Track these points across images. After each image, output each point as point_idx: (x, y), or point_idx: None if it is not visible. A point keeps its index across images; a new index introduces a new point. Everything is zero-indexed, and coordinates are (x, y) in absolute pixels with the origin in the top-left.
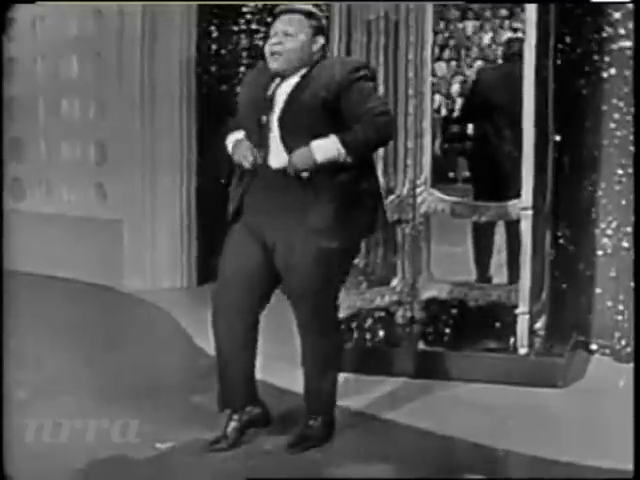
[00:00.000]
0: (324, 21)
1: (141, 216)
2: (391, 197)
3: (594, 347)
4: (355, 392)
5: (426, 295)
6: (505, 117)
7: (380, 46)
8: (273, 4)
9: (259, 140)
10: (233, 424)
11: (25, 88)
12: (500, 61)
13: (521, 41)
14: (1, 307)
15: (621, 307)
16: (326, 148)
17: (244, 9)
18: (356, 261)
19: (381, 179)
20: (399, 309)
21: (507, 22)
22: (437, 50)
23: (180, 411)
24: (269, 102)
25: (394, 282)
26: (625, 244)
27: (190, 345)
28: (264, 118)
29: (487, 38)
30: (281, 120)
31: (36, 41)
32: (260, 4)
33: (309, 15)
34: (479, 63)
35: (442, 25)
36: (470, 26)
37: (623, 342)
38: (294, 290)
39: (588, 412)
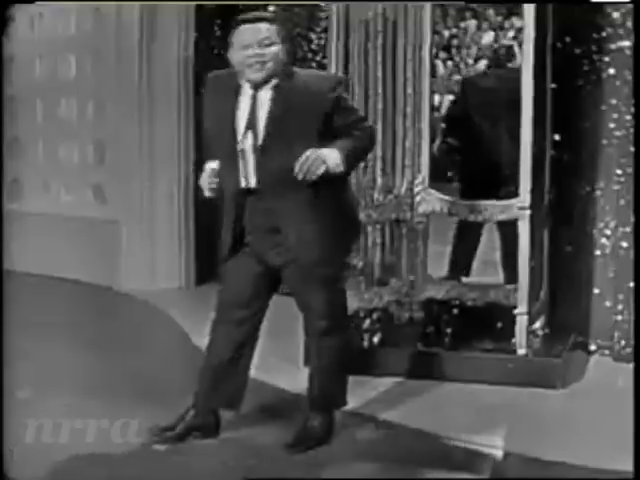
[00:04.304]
0: (288, 26)
1: (139, 216)
2: (389, 197)
3: (593, 347)
4: (353, 393)
5: (424, 295)
6: (491, 123)
7: (378, 45)
8: (272, 4)
9: (237, 163)
10: (187, 422)
11: (23, 88)
12: (487, 68)
13: (509, 47)
14: (0, 307)
15: (620, 307)
16: (332, 158)
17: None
18: (355, 261)
19: (379, 179)
20: (397, 309)
21: (507, 22)
22: (436, 49)
23: (179, 411)
24: (248, 122)
25: (392, 282)
26: (624, 244)
27: (188, 345)
28: (244, 140)
29: (487, 37)
30: (265, 142)
31: (34, 40)
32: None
33: (275, 22)
34: (482, 62)
35: (441, 24)
36: (470, 25)
37: (622, 342)
38: (298, 300)
39: (587, 413)
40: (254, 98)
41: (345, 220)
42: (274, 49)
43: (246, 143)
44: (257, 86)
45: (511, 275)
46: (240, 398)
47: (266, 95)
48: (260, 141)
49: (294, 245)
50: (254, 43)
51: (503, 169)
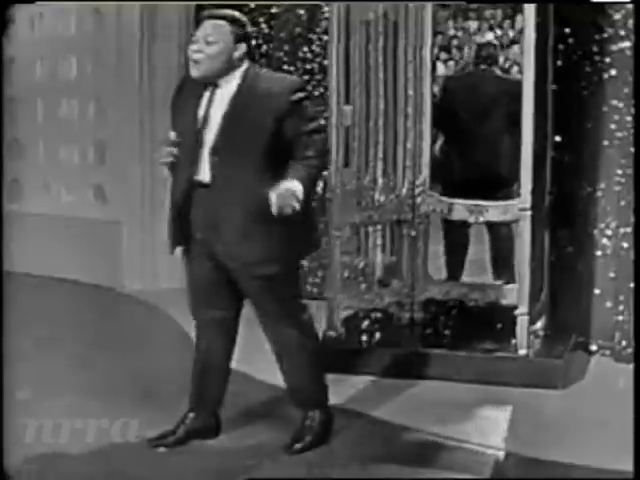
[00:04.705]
0: (248, 27)
1: (140, 216)
2: (390, 197)
3: (594, 348)
4: (354, 393)
5: (425, 296)
6: (474, 121)
7: (379, 47)
8: (267, 4)
9: (193, 155)
10: (188, 425)
11: (24, 88)
12: (471, 66)
13: (494, 46)
14: (1, 307)
15: (621, 308)
16: (299, 191)
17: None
18: (356, 262)
19: (380, 179)
20: (398, 310)
21: (507, 22)
22: (437, 50)
23: (179, 411)
24: (203, 118)
25: (394, 283)
26: (624, 245)
27: (189, 345)
28: (199, 134)
29: (488, 38)
30: (217, 140)
31: (34, 41)
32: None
33: (231, 21)
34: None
35: (442, 25)
36: (472, 26)
37: (623, 343)
38: (251, 301)
39: (588, 413)
40: (212, 95)
41: (295, 223)
42: (215, 48)
43: (200, 139)
44: (215, 84)
45: (501, 275)
46: (221, 398)
47: (224, 94)
48: (212, 139)
49: (231, 242)
50: (199, 39)
51: (504, 170)
